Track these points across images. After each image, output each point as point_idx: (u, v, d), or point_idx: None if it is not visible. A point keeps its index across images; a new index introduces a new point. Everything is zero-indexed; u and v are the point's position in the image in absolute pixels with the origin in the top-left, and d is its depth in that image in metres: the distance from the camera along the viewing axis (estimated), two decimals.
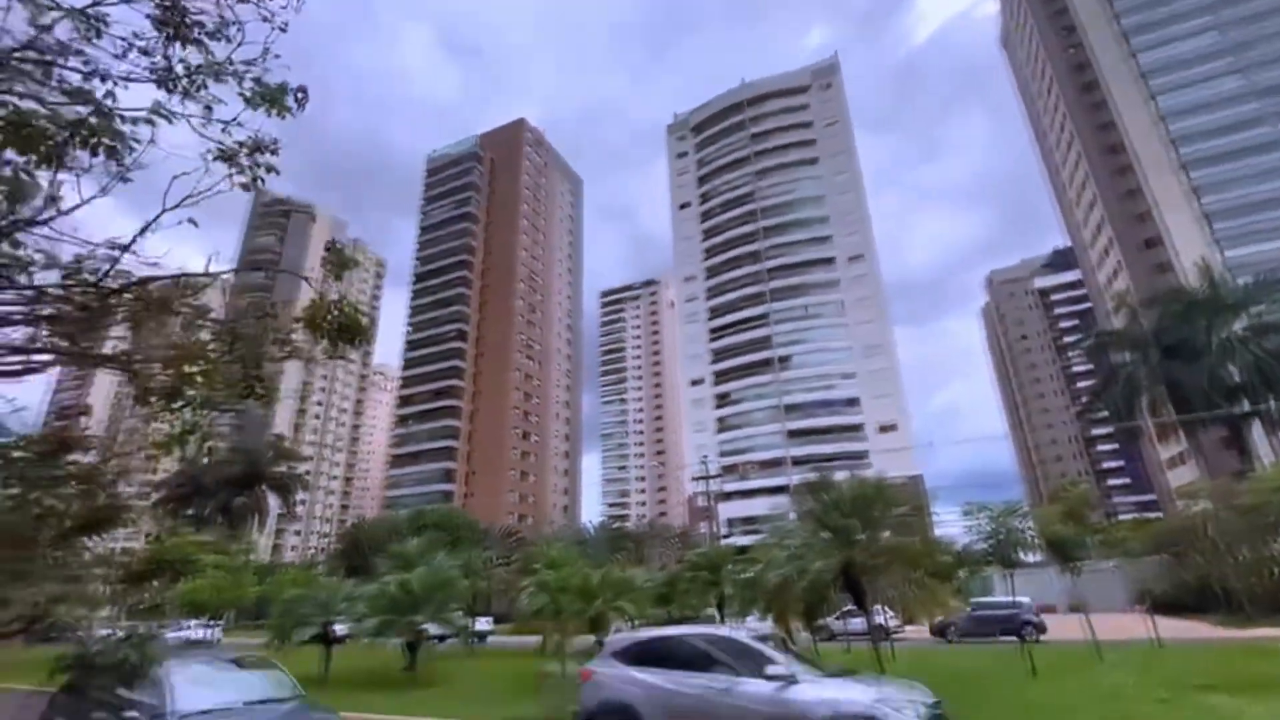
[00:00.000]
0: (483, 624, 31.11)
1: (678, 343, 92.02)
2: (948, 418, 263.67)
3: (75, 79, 3.50)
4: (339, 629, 19.19)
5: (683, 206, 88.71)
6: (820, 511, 13.79)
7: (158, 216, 3.22)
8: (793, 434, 69.36)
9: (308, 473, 79.29)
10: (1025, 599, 25.31)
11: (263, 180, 3.67)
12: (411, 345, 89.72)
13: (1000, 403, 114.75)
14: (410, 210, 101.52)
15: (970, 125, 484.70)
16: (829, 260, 74.83)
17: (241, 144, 3.80)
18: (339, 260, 3.85)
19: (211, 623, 29.81)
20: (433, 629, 17.97)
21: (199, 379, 3.61)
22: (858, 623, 19.35)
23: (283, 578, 24.26)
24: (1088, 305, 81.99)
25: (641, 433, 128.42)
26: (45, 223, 3.11)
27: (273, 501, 56.04)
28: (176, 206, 3.29)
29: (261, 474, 51.98)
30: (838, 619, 24.66)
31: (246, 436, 66.94)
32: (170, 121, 3.70)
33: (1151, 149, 58.51)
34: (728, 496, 66.92)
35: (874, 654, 12.34)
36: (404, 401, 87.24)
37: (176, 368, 3.65)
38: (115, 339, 3.86)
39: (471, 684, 15.82)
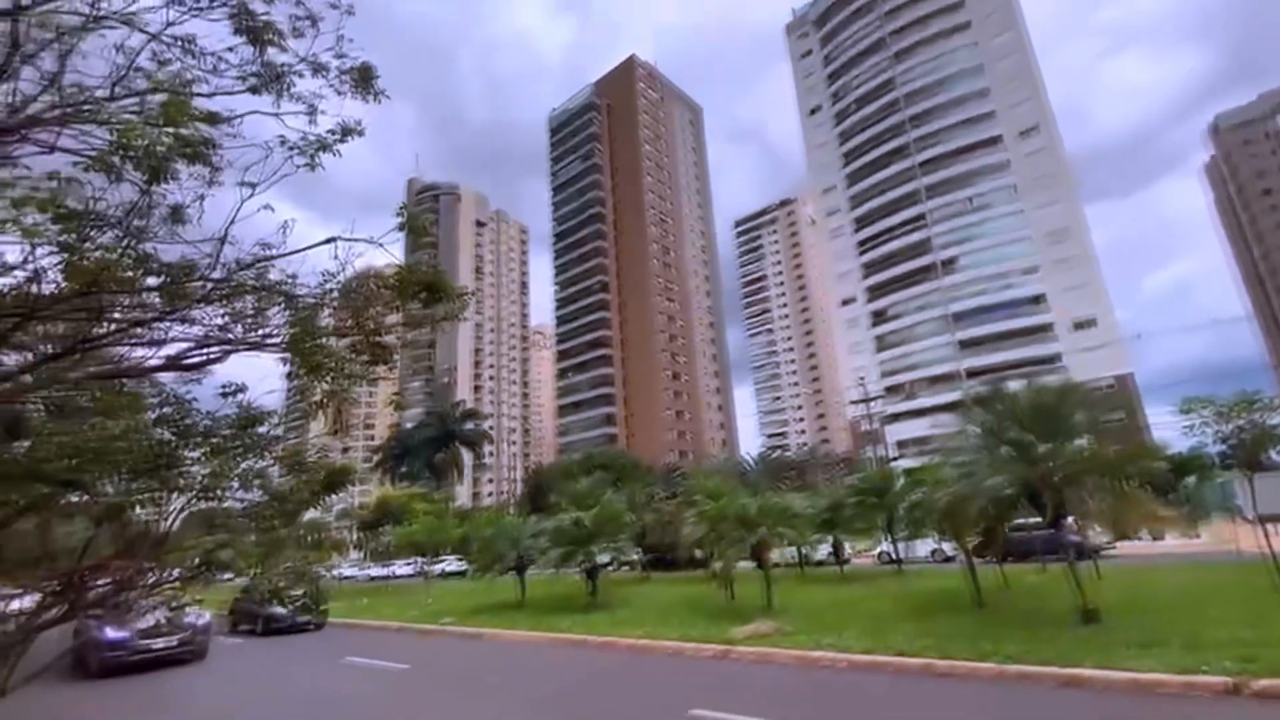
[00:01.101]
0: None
1: (823, 262, 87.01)
2: (1167, 304, 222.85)
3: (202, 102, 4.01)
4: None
5: (813, 111, 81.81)
6: (993, 425, 12.48)
7: (244, 202, 3.64)
8: (965, 344, 63.16)
9: (491, 428, 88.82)
10: (1068, 519, 23.49)
11: (322, 165, 3.94)
12: (561, 302, 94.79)
13: (1238, 276, 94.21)
14: (543, 172, 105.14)
15: None
16: (994, 140, 65.11)
17: (331, 131, 4.11)
18: (413, 224, 4.06)
19: (425, 560, 34.86)
20: (604, 558, 19.56)
21: (333, 353, 4.10)
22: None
23: (479, 519, 27.82)
24: None
25: (794, 361, 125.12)
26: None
27: (466, 456, 63.63)
28: (252, 194, 3.66)
29: (453, 433, 59.05)
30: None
31: (437, 402, 76.23)
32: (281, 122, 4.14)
33: None
34: (894, 418, 63.40)
35: (1069, 574, 11.09)
36: (562, 356, 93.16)
37: (319, 346, 4.16)
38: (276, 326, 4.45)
39: (648, 606, 17.09)
